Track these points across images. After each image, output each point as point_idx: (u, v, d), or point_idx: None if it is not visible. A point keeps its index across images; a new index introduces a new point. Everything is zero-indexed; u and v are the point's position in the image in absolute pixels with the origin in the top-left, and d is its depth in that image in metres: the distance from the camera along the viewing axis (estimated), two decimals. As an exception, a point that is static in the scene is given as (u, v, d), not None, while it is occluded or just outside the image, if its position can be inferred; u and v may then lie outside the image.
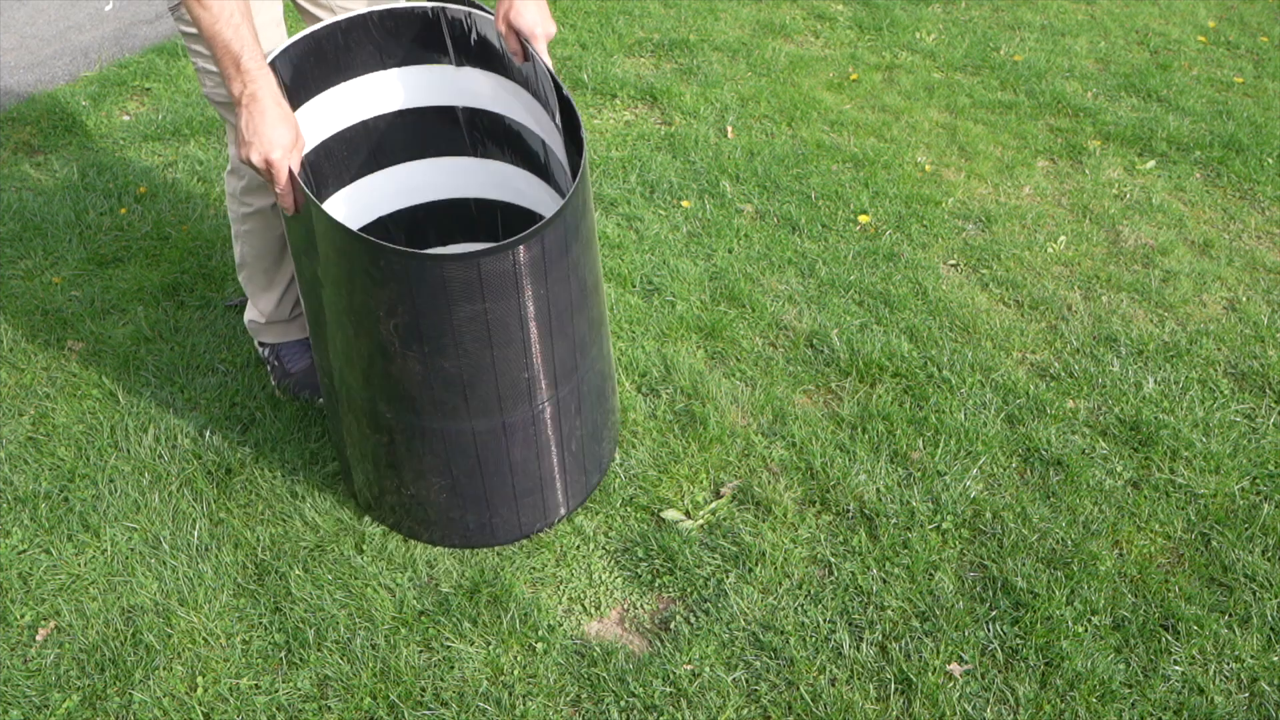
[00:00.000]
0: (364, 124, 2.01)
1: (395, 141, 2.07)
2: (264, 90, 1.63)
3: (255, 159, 1.63)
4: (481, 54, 1.92)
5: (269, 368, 2.40)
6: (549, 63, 1.77)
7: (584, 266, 1.77)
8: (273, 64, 1.79)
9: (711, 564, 1.98)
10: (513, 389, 1.78)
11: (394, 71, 1.96)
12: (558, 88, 1.74)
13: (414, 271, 1.58)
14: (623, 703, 1.75)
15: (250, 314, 2.37)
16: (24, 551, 2.01)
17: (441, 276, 1.58)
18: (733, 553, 2.00)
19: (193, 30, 1.93)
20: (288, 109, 1.67)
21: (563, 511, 2.05)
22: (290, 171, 1.64)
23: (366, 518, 2.06)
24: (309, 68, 1.86)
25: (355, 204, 2.11)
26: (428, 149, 2.11)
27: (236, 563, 1.98)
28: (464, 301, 1.61)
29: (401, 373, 1.73)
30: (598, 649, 1.83)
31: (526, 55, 1.81)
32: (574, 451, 1.98)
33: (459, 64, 1.95)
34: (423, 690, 1.77)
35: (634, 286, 2.75)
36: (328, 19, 1.86)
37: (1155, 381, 2.44)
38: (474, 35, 1.88)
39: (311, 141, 1.95)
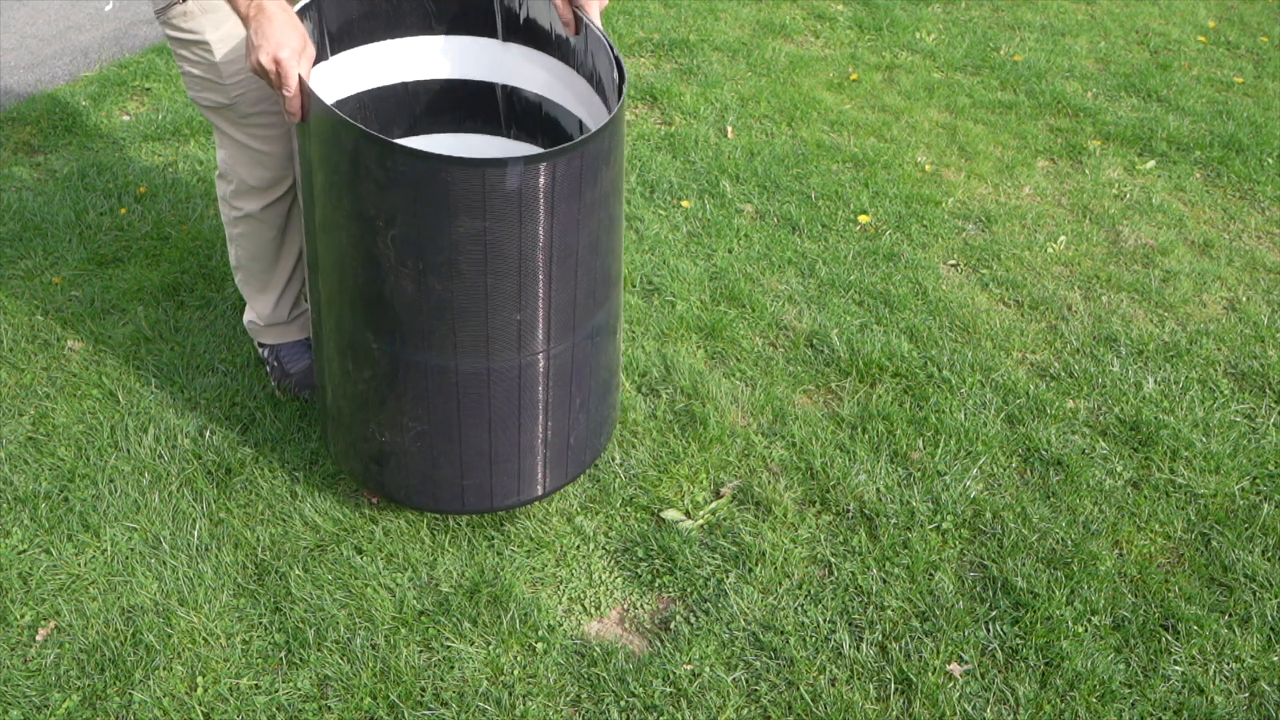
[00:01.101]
0: (404, 85, 2.02)
1: (432, 110, 2.07)
2: (270, 1, 1.61)
3: (264, 59, 1.58)
4: (528, 32, 1.93)
5: (268, 368, 2.40)
6: (601, 27, 1.76)
7: (596, 222, 1.72)
8: (321, 4, 1.80)
9: (711, 564, 1.98)
10: (502, 330, 1.74)
11: (440, 38, 1.97)
12: (613, 52, 1.72)
13: (421, 173, 1.55)
14: (623, 703, 1.75)
15: (249, 315, 2.38)
16: (24, 551, 2.01)
17: (445, 181, 1.54)
18: (733, 553, 2.00)
19: (179, 35, 1.93)
20: (295, 19, 1.65)
21: (539, 491, 1.99)
22: (299, 74, 1.61)
23: (365, 512, 2.06)
24: (358, 17, 1.87)
25: None
26: (463, 123, 2.11)
27: (236, 563, 1.98)
28: (465, 215, 1.58)
29: (394, 293, 1.70)
30: (598, 649, 1.83)
31: (578, 28, 1.81)
32: (561, 425, 1.92)
33: (505, 40, 1.96)
34: (423, 690, 1.77)
35: (634, 286, 2.74)
36: None
37: (1155, 381, 2.44)
38: (525, 13, 1.90)
39: (351, 89, 1.96)
